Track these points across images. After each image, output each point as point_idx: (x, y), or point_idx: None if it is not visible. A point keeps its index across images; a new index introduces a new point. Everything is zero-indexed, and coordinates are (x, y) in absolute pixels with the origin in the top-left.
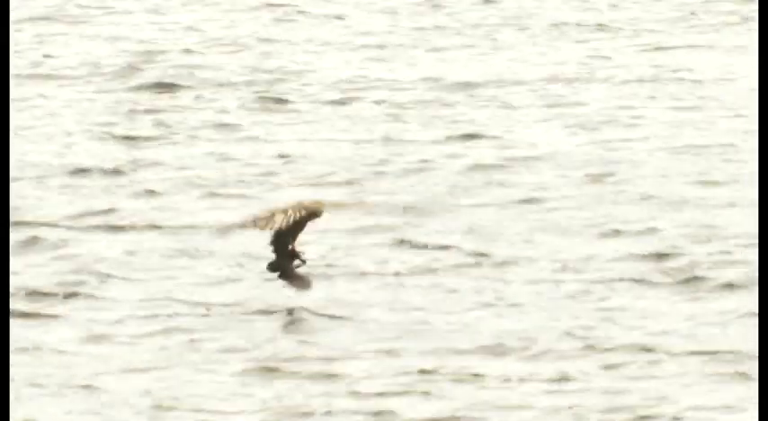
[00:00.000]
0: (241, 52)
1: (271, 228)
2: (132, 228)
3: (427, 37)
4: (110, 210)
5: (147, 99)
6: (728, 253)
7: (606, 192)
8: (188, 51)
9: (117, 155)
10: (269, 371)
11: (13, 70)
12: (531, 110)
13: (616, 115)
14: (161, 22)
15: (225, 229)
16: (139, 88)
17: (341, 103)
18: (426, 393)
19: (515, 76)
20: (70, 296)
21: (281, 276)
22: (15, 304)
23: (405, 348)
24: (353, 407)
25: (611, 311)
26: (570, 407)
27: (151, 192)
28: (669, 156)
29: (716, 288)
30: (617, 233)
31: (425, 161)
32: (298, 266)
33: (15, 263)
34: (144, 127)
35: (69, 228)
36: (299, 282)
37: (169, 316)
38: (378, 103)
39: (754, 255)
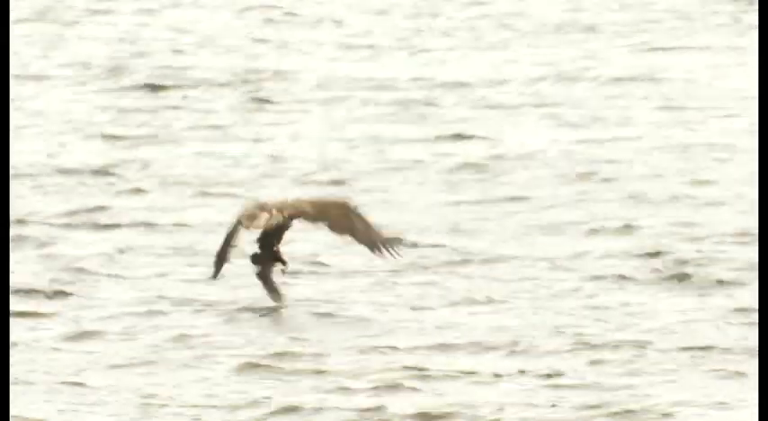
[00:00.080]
0: (230, 53)
1: (256, 228)
2: (121, 226)
3: (415, 37)
4: (98, 209)
5: (136, 99)
6: (717, 250)
7: (595, 191)
8: (177, 51)
9: (106, 154)
10: (258, 367)
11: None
12: (519, 109)
13: (604, 114)
14: (150, 23)
15: (213, 228)
16: (128, 88)
17: (329, 102)
18: (415, 389)
19: (504, 75)
20: (59, 294)
21: (258, 276)
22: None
23: (394, 344)
24: (343, 402)
25: (600, 308)
26: (557, 405)
27: (140, 191)
28: (657, 154)
29: (704, 285)
30: (606, 231)
31: (414, 160)
32: (280, 269)
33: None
34: (133, 126)
35: (58, 226)
36: (273, 292)
37: (158, 313)
38: (366, 102)
39: (742, 253)
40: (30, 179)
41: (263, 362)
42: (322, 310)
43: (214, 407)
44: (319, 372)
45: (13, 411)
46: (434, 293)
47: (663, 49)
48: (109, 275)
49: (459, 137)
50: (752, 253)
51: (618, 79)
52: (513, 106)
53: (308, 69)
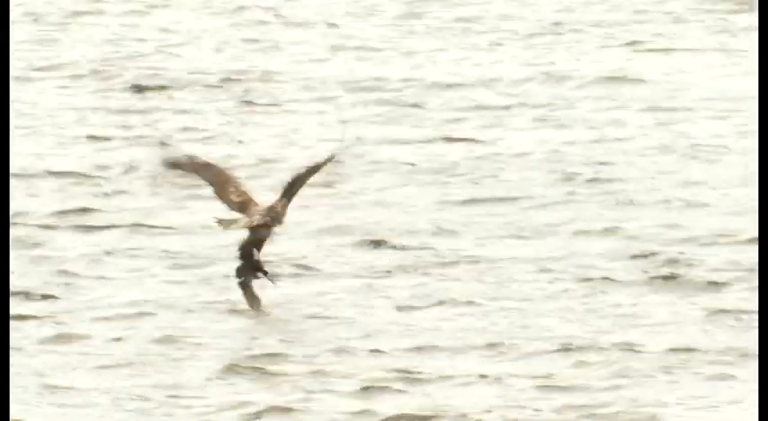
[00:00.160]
0: (218, 54)
1: (239, 228)
2: (109, 228)
3: (404, 38)
4: (84, 210)
5: (124, 100)
6: (704, 252)
7: (583, 192)
8: (165, 53)
9: (91, 155)
10: (245, 368)
11: None
12: (508, 110)
13: (593, 116)
14: (138, 24)
15: (201, 230)
16: (116, 90)
17: (318, 103)
18: (402, 391)
19: (492, 76)
20: (46, 296)
21: (239, 285)
22: None
23: (380, 346)
24: (329, 404)
25: (588, 309)
26: (546, 406)
27: (125, 193)
28: (646, 156)
29: (692, 286)
30: (593, 232)
31: (403, 161)
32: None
33: None
34: (119, 127)
35: (44, 227)
36: (253, 301)
37: (145, 315)
38: (354, 104)
39: (729, 254)
40: (17, 180)
41: (251, 363)
42: (309, 312)
43: (201, 407)
44: (308, 374)
45: None
46: (422, 295)
47: (651, 50)
48: (94, 277)
49: (447, 138)
50: (739, 254)
51: (606, 80)
52: (502, 107)
53: (296, 70)
